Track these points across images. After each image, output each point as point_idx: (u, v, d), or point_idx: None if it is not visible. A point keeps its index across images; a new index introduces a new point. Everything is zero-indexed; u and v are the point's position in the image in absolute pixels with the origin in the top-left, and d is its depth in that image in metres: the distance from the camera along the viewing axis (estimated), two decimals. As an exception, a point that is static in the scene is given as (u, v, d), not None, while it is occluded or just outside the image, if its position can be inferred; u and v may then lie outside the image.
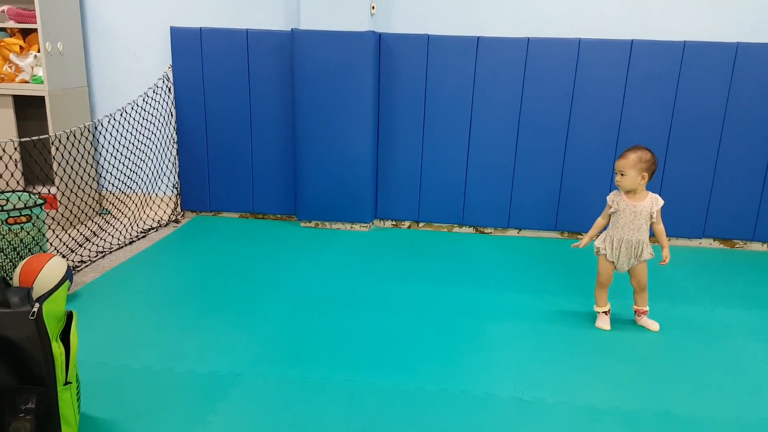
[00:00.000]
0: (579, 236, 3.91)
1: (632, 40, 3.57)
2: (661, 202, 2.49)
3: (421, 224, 4.06)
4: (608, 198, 2.57)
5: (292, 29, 3.64)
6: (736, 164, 3.68)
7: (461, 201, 3.94)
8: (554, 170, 3.81)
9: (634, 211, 2.49)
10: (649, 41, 3.56)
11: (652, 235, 2.57)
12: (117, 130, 3.91)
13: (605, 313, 2.63)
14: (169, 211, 4.11)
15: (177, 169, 4.05)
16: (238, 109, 3.92)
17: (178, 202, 4.11)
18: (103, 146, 3.95)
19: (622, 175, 2.45)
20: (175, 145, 4.00)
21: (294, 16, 3.82)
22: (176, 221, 4.01)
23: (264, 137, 3.95)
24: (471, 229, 4.02)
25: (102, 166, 4.04)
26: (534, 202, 3.88)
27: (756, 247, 3.82)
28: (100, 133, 4.02)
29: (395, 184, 3.97)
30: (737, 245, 3.84)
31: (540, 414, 1.97)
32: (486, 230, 4.00)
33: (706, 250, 3.78)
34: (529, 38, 3.62)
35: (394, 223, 4.09)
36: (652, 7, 3.64)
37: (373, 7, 3.65)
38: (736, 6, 3.59)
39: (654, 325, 2.61)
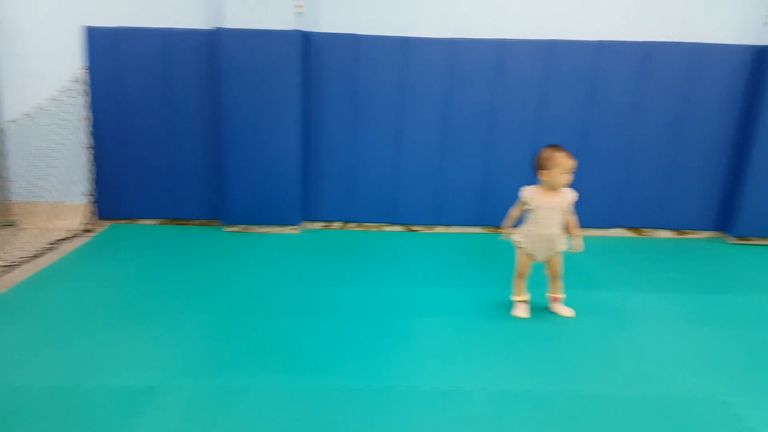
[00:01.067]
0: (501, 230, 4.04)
1: (551, 41, 3.72)
2: (575, 195, 2.62)
3: (351, 224, 4.06)
4: (522, 193, 2.66)
5: (216, 28, 3.54)
6: (645, 157, 3.93)
7: (392, 200, 3.97)
8: (478, 167, 3.92)
9: (551, 207, 2.60)
10: (567, 41, 3.73)
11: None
12: (25, 136, 3.66)
13: (523, 301, 2.74)
14: (82, 220, 3.89)
15: (91, 176, 3.84)
16: (159, 111, 3.77)
17: (93, 210, 3.90)
18: (9, 153, 3.70)
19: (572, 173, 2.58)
20: (89, 150, 3.79)
21: (217, 15, 3.72)
22: (90, 230, 3.81)
23: (186, 140, 3.83)
24: (401, 228, 4.06)
25: (5, 175, 3.77)
26: (460, 200, 3.98)
27: (663, 234, 4.09)
28: (9, 139, 3.75)
29: (325, 185, 3.95)
30: (646, 233, 4.10)
31: (459, 402, 2.02)
32: (416, 228, 4.06)
33: (618, 238, 4.01)
34: (452, 39, 3.70)
35: (324, 224, 4.07)
36: (569, 9, 3.80)
37: (300, 6, 3.60)
38: (647, 7, 3.80)
39: (568, 312, 2.74)
